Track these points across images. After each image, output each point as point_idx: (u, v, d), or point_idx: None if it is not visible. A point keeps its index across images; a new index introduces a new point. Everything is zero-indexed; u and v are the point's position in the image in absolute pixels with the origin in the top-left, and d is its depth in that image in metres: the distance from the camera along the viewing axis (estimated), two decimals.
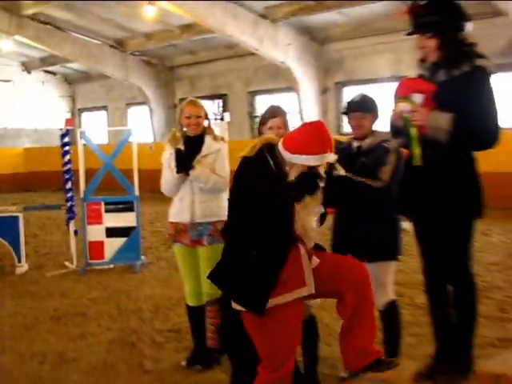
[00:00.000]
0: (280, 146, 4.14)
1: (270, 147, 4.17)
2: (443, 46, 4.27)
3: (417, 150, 4.26)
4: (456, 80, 4.22)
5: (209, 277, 4.31)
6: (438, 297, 4.49)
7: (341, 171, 4.59)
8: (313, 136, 4.07)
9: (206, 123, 6.06)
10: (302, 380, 5.35)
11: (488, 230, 12.53)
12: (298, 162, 4.04)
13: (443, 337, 4.49)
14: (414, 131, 4.22)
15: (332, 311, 7.29)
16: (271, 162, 4.10)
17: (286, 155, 4.08)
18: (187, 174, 5.83)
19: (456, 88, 4.18)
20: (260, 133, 5.46)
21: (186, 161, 5.84)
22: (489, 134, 4.24)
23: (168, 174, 5.98)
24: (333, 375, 5.55)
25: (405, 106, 4.23)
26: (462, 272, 4.39)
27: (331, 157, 4.06)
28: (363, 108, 5.24)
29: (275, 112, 5.49)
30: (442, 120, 4.09)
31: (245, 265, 4.01)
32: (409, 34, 4.45)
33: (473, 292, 4.42)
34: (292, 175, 4.05)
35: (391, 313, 5.36)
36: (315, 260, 4.14)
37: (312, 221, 4.10)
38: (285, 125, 5.41)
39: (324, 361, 5.77)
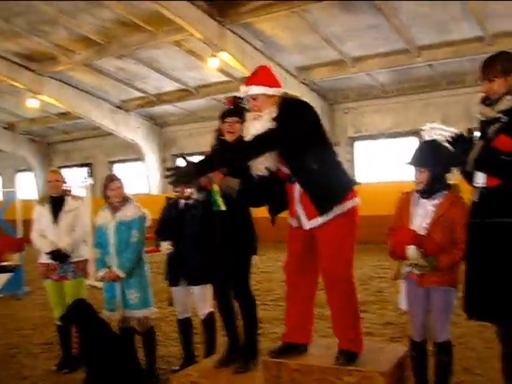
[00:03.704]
0: None
1: None
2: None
3: (219, 199, 4.20)
4: None
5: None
6: (227, 310, 4.46)
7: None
8: None
9: (64, 186, 5.76)
10: (145, 375, 5.19)
11: (278, 257, 12.69)
12: None
13: (232, 336, 4.45)
14: (216, 187, 4.17)
15: (165, 320, 7.18)
16: None
17: None
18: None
19: None
20: (104, 196, 5.28)
21: (62, 258, 5.54)
22: None
23: (39, 242, 5.62)
24: (168, 368, 5.39)
25: None
26: (246, 290, 4.40)
27: None
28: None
29: (113, 177, 5.37)
30: (233, 183, 4.08)
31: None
32: (223, 119, 4.36)
33: (252, 303, 4.42)
34: None
35: (211, 321, 5.31)
36: None
37: None
38: (122, 185, 5.28)
39: (162, 358, 5.66)
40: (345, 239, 3.75)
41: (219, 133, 4.40)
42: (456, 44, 12.86)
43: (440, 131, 3.68)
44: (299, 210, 3.81)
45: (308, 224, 3.79)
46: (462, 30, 12.31)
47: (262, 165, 3.79)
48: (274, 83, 3.84)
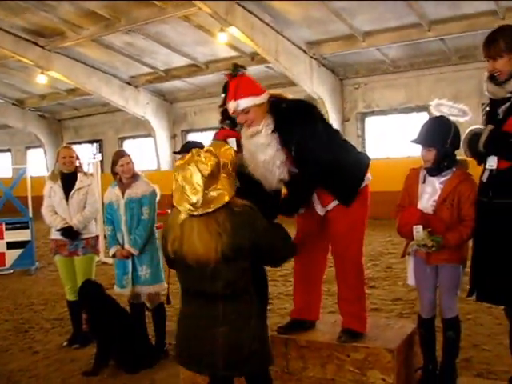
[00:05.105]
0: None
1: None
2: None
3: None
4: None
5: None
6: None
7: None
8: None
9: (77, 163, 5.77)
10: (154, 350, 5.25)
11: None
12: None
13: None
14: None
15: (176, 296, 7.20)
16: None
17: None
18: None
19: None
20: (113, 172, 5.26)
21: (73, 235, 5.57)
22: None
23: (50, 218, 5.64)
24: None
25: None
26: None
27: None
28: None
29: (121, 153, 5.34)
30: (240, 159, 3.99)
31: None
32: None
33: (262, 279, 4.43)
34: None
35: None
36: None
37: None
38: (131, 160, 5.25)
39: (171, 334, 5.68)
40: (357, 219, 3.71)
41: (225, 108, 4.34)
42: (468, 18, 12.62)
43: (448, 107, 3.61)
44: (313, 198, 3.76)
45: (323, 210, 3.76)
46: (474, 4, 12.08)
47: (275, 183, 3.67)
48: (259, 90, 3.60)
